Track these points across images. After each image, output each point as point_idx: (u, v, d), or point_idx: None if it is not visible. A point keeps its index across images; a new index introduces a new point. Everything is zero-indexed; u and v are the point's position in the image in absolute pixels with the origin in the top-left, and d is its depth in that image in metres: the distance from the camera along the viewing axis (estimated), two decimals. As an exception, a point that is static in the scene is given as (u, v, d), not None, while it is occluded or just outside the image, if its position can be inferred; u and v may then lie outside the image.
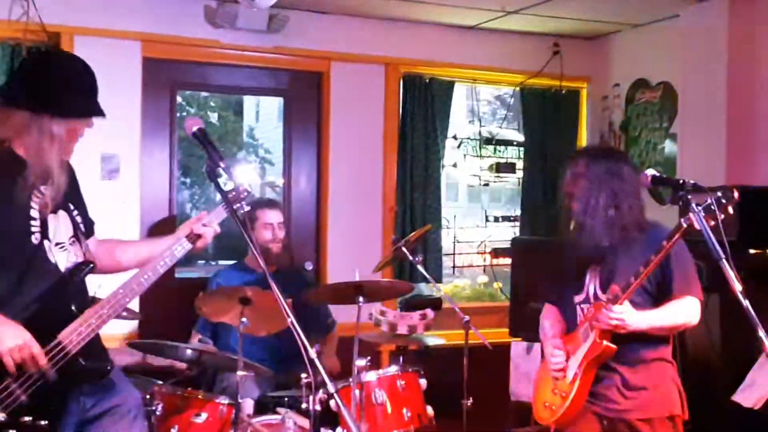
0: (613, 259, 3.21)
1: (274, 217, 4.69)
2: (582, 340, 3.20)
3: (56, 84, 2.75)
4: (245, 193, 2.82)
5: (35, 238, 2.69)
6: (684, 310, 3.16)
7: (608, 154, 3.36)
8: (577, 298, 3.31)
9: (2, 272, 2.65)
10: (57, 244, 2.76)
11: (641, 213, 3.23)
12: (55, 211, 2.78)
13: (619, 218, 3.17)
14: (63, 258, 2.77)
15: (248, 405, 3.91)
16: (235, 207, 2.70)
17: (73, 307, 2.70)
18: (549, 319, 3.47)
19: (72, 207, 2.87)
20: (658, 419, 3.19)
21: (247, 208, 2.75)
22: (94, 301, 2.84)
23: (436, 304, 5.23)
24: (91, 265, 2.82)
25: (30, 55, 4.66)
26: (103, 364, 2.82)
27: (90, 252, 2.92)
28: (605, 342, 3.12)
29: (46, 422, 2.61)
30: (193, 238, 2.88)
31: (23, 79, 2.81)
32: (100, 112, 2.80)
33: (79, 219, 2.89)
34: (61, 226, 2.80)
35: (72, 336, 2.64)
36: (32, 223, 2.69)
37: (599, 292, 3.23)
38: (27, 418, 2.58)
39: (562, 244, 3.44)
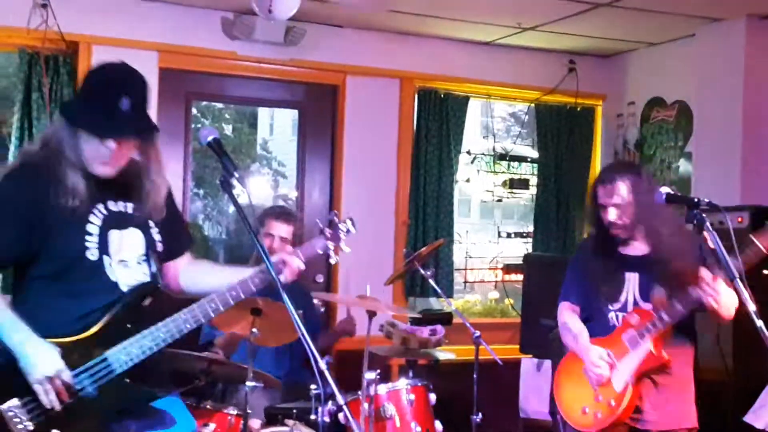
0: (651, 267, 3.24)
1: (276, 229, 4.34)
2: (629, 347, 3.20)
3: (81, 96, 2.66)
4: (346, 232, 2.73)
5: (91, 254, 2.54)
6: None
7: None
8: (613, 306, 3.29)
9: (58, 287, 2.53)
10: (120, 260, 2.60)
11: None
12: (123, 227, 2.62)
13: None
14: (125, 275, 2.60)
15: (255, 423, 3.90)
16: (332, 240, 2.69)
17: (128, 326, 2.54)
18: (575, 320, 3.42)
19: (152, 224, 2.70)
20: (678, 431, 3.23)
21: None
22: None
23: (446, 319, 5.22)
24: (154, 287, 2.66)
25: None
26: (152, 389, 2.66)
27: (165, 273, 2.79)
28: (664, 353, 3.14)
29: None
30: (279, 266, 2.63)
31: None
32: (113, 133, 2.60)
33: (158, 237, 2.70)
34: (127, 242, 2.63)
35: (120, 355, 2.50)
36: (88, 239, 2.53)
37: (639, 299, 3.24)
38: (54, 431, 2.43)
39: (590, 249, 3.44)
